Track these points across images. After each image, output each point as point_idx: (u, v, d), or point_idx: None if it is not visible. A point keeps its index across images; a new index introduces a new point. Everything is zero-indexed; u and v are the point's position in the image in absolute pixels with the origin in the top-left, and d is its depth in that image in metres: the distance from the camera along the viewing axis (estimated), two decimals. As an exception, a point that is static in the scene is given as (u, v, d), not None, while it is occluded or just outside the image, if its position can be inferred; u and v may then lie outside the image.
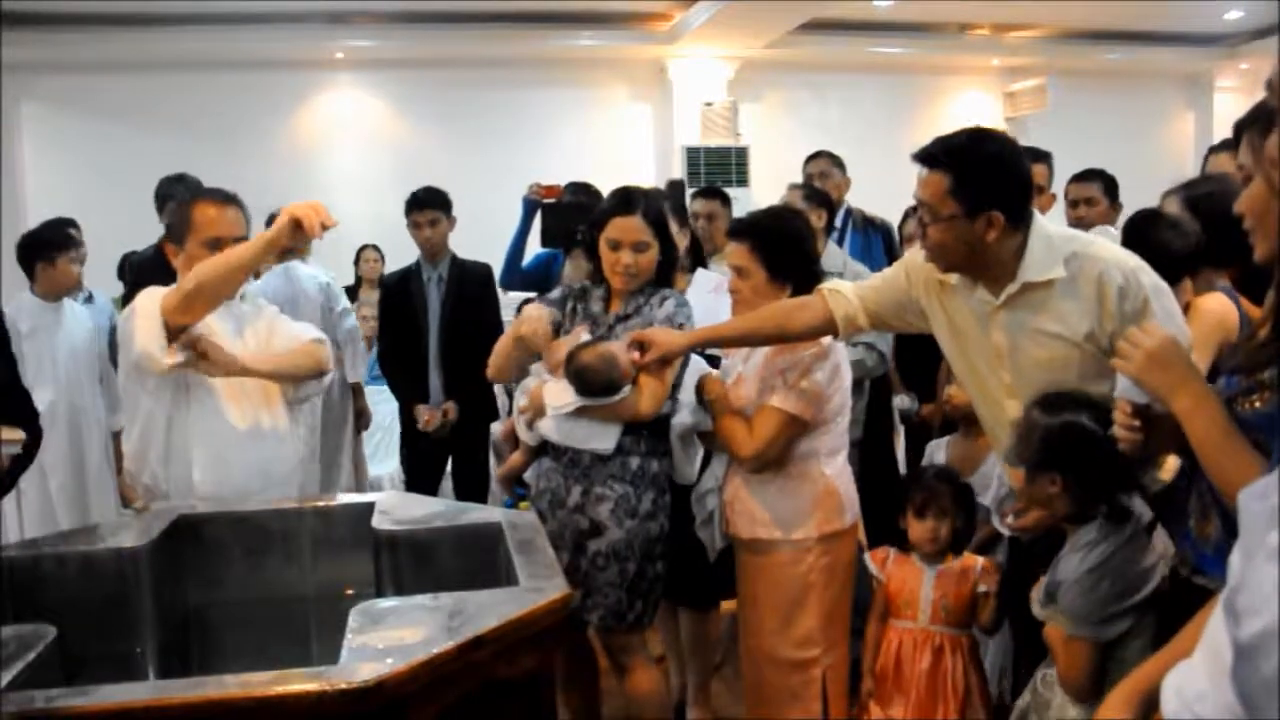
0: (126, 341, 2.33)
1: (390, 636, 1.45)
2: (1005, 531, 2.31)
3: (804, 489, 2.37)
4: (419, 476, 4.20)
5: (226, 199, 2.44)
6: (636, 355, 2.29)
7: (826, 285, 2.28)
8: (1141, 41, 8.34)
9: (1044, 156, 3.97)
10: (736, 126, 7.63)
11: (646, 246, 2.44)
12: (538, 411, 2.45)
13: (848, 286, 2.26)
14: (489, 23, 7.10)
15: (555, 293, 2.71)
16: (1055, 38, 8.23)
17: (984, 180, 1.89)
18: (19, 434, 1.85)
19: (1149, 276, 1.89)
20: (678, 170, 7.39)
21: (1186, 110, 9.16)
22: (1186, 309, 2.12)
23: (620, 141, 7.95)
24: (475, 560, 1.99)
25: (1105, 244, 1.97)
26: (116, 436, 3.91)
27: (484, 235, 4.33)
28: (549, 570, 1.74)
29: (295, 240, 2.17)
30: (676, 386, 2.48)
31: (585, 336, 2.46)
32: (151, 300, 2.28)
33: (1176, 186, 2.50)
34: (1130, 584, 1.78)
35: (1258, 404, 1.41)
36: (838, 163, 4.34)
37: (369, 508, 2.15)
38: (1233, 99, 8.50)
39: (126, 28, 6.65)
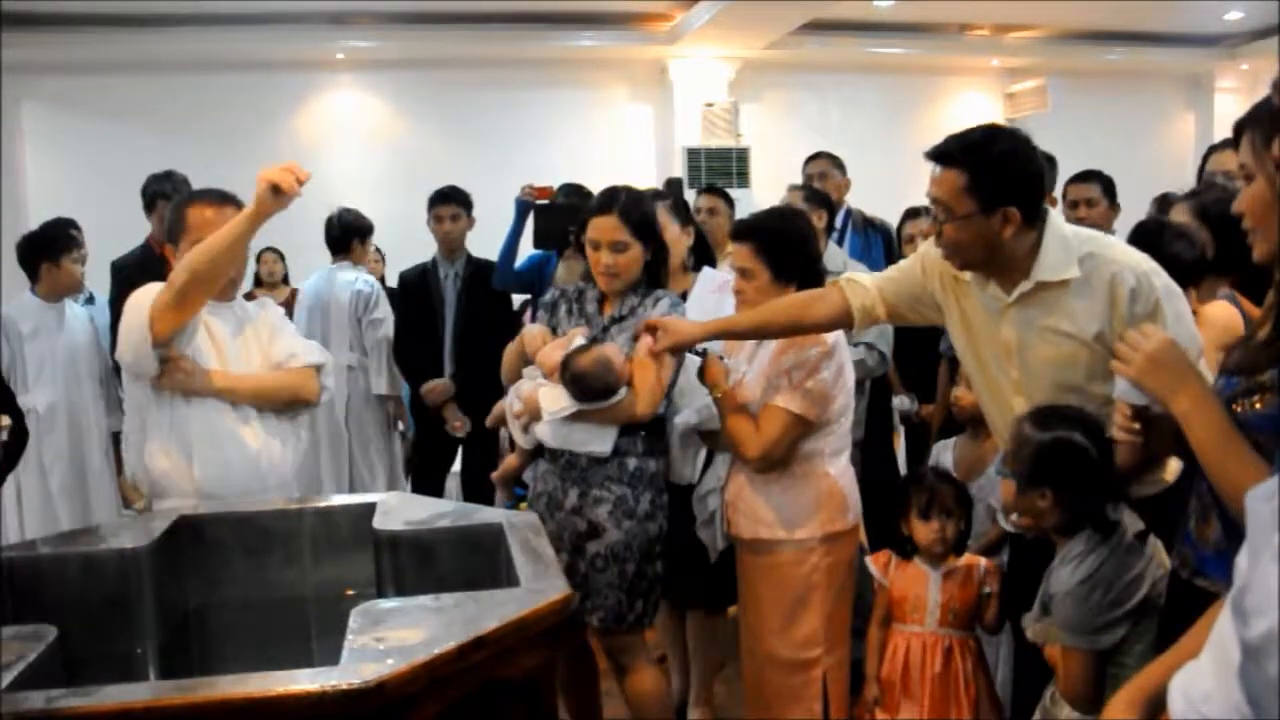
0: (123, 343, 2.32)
1: (391, 637, 1.45)
2: (1010, 528, 2.31)
3: (808, 489, 2.37)
4: (426, 475, 4.22)
5: (222, 198, 2.39)
6: (650, 341, 2.28)
7: (844, 276, 2.29)
8: (1141, 42, 8.34)
9: (1049, 161, 3.97)
10: (737, 127, 7.63)
11: (625, 246, 2.43)
12: (533, 415, 2.45)
13: (866, 278, 2.26)
14: (490, 23, 7.11)
15: (547, 296, 2.71)
16: (1055, 38, 8.23)
17: (999, 177, 1.90)
18: (3, 419, 1.83)
19: (1161, 279, 1.90)
20: (679, 171, 7.39)
21: (1187, 111, 9.16)
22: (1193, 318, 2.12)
23: (621, 142, 7.95)
24: (476, 561, 1.98)
25: (1120, 245, 1.98)
26: (116, 437, 3.92)
27: (485, 235, 4.33)
28: (550, 571, 1.74)
29: (278, 205, 2.12)
30: (673, 386, 2.47)
31: (581, 340, 2.45)
32: (138, 307, 2.24)
33: (1184, 194, 2.50)
34: (1122, 592, 1.79)
35: (1258, 405, 1.40)
36: (838, 163, 4.34)
37: (370, 508, 2.14)
38: (1233, 99, 8.51)
39: (128, 28, 6.65)
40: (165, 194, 3.78)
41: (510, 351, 2.63)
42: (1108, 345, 1.87)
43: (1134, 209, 3.60)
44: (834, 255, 3.57)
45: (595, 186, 2.65)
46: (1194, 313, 2.18)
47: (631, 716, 2.59)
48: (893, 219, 4.42)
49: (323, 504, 2.29)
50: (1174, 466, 1.86)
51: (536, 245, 3.85)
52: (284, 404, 2.40)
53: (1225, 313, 2.22)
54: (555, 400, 2.39)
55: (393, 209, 7.29)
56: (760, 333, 2.36)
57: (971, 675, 2.42)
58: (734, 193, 4.36)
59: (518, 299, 4.27)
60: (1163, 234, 2.31)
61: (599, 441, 2.39)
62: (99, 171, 6.86)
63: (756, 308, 2.35)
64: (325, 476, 4.36)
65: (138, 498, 4.02)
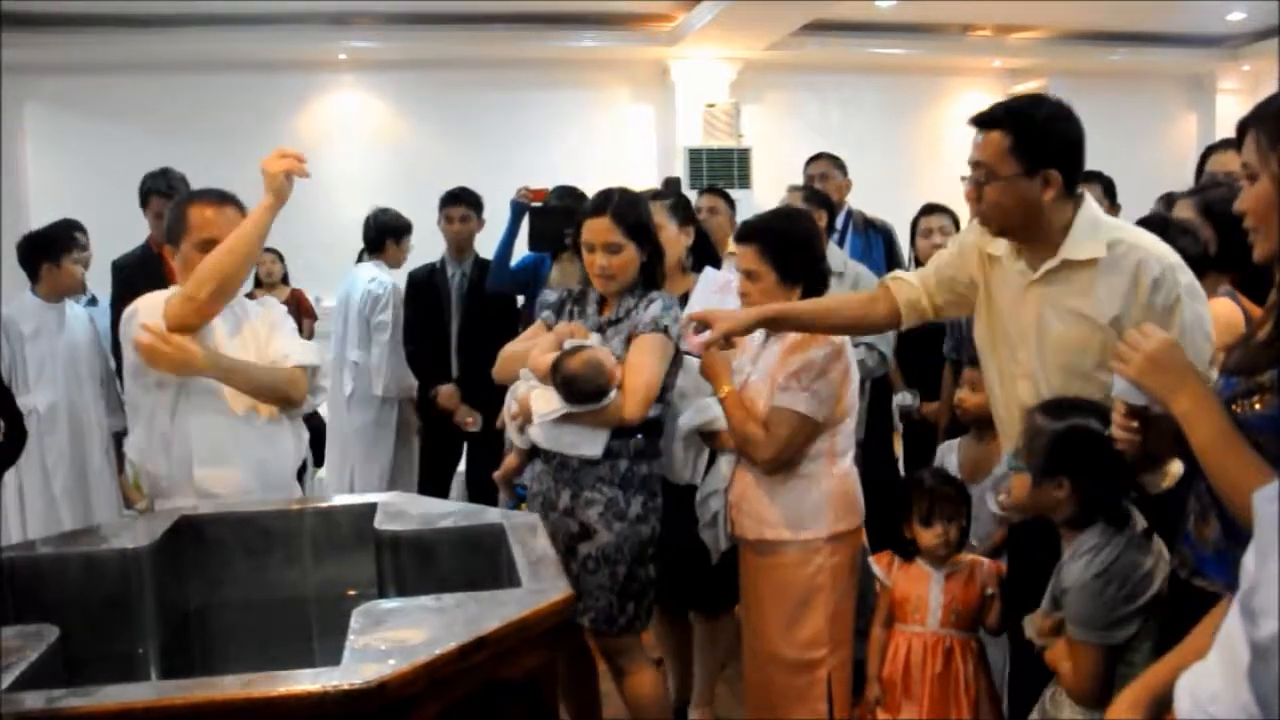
0: (128, 343, 2.32)
1: (392, 637, 1.45)
2: (997, 511, 2.31)
3: (813, 489, 2.36)
4: (431, 474, 4.24)
5: (222, 198, 2.39)
6: (700, 337, 2.25)
7: (891, 275, 2.32)
8: (1143, 43, 8.33)
9: None
10: (739, 128, 7.63)
11: (619, 248, 2.42)
12: (528, 417, 2.45)
13: (911, 275, 2.30)
14: (491, 24, 7.11)
15: (551, 297, 2.71)
16: (1057, 39, 8.23)
17: (1043, 139, 1.94)
18: None
19: (1186, 276, 1.91)
20: (680, 171, 7.39)
21: (1188, 111, 9.16)
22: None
23: (622, 143, 7.96)
24: (477, 561, 1.99)
25: (1152, 237, 1.99)
26: (117, 438, 3.92)
27: (485, 235, 4.34)
28: (551, 571, 1.74)
29: (288, 192, 2.22)
30: (667, 389, 2.47)
31: (582, 341, 2.45)
32: (153, 306, 2.26)
33: (1188, 191, 2.50)
34: (1135, 587, 1.77)
35: (1257, 406, 1.40)
36: (839, 164, 4.34)
37: (371, 508, 2.14)
38: (1235, 100, 8.51)
39: (129, 29, 6.66)
40: (161, 191, 3.77)
41: (505, 354, 2.63)
42: (1120, 332, 1.87)
43: (1135, 209, 3.59)
44: (834, 256, 3.56)
45: (596, 187, 2.64)
46: None
47: (630, 718, 2.58)
48: (894, 219, 4.42)
49: (324, 504, 2.30)
50: (1174, 471, 1.85)
51: (531, 247, 3.86)
52: (272, 400, 2.37)
53: (1227, 309, 2.22)
54: (547, 402, 2.39)
55: (395, 209, 7.30)
56: (815, 324, 2.32)
57: (972, 676, 2.41)
58: (735, 193, 4.37)
59: (521, 299, 4.29)
60: (1166, 229, 2.31)
61: (590, 444, 2.40)
62: (100, 172, 6.86)
63: (812, 300, 2.35)
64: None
65: (139, 498, 4.02)
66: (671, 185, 5.78)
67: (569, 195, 3.85)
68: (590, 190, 2.84)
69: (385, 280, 4.53)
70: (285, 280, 6.07)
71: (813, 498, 2.36)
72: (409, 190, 6.26)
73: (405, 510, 2.13)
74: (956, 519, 2.46)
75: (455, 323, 4.20)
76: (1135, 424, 1.53)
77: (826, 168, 4.30)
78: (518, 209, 3.89)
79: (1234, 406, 1.42)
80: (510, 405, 2.57)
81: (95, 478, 3.86)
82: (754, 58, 7.68)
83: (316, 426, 4.82)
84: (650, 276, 2.53)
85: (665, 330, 2.41)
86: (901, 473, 3.79)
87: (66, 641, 1.60)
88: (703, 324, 2.27)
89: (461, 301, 4.19)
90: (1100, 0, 6.99)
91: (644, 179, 6.33)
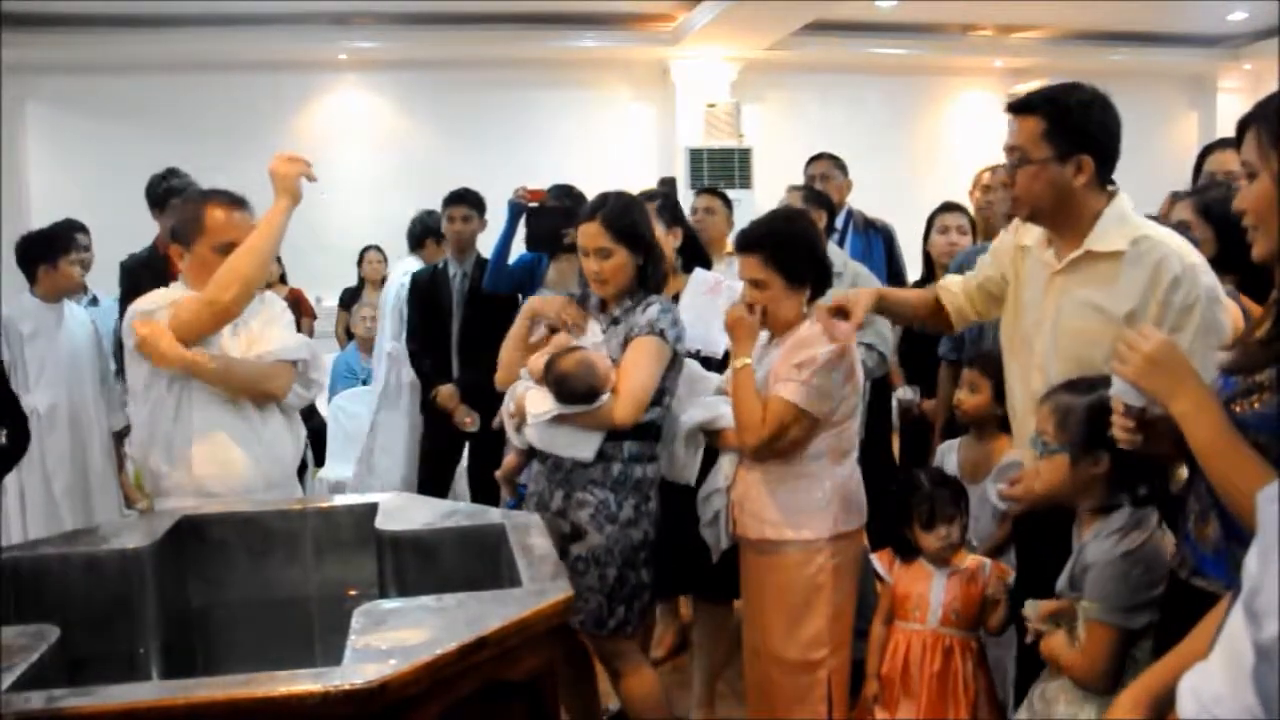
0: (128, 342, 2.32)
1: (393, 637, 1.45)
2: (999, 504, 2.30)
3: (815, 490, 2.36)
4: (432, 475, 4.24)
5: (235, 201, 2.42)
6: (839, 325, 2.25)
7: (938, 283, 2.37)
8: (1144, 42, 8.33)
9: None
10: (739, 127, 7.63)
11: (608, 253, 2.43)
12: (524, 417, 2.46)
13: (956, 280, 2.35)
14: (492, 24, 7.11)
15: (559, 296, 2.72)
16: (1058, 39, 8.23)
17: (1077, 124, 1.97)
18: None
19: (1209, 279, 1.91)
20: (681, 171, 7.39)
21: (1189, 111, 9.15)
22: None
23: (623, 142, 7.96)
24: (478, 561, 1.99)
25: (1179, 237, 2.00)
26: (117, 437, 3.92)
27: (488, 235, 4.34)
28: (551, 571, 1.74)
29: (300, 194, 2.31)
30: (665, 393, 2.47)
31: (595, 334, 2.46)
32: (153, 303, 2.26)
33: (1186, 192, 2.49)
34: (1159, 574, 1.75)
35: (1256, 405, 1.39)
36: (839, 164, 4.33)
37: (372, 509, 2.14)
38: (1236, 100, 8.50)
39: (131, 29, 6.67)
40: (178, 191, 3.76)
41: (504, 360, 2.63)
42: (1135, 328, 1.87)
43: (1136, 208, 3.59)
44: (834, 255, 3.54)
45: (597, 187, 2.64)
46: None
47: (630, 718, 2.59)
48: (896, 218, 4.41)
49: (325, 504, 2.30)
50: (1181, 476, 1.85)
51: (529, 247, 3.87)
52: (253, 395, 2.37)
53: (1231, 310, 2.21)
54: (540, 403, 2.40)
55: (396, 209, 7.29)
56: (914, 314, 2.43)
57: (971, 676, 2.41)
58: (737, 193, 4.37)
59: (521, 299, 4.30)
60: None
61: (582, 446, 2.40)
62: (102, 172, 6.87)
63: (917, 291, 2.36)
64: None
65: (140, 497, 4.03)
66: (667, 185, 5.78)
67: (567, 195, 3.86)
68: (590, 190, 2.84)
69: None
70: (283, 280, 6.07)
71: (815, 498, 2.36)
72: (410, 190, 6.25)
73: (406, 510, 2.13)
74: (957, 518, 2.46)
75: (456, 323, 4.21)
76: (1133, 424, 1.53)
77: (827, 168, 4.29)
78: (515, 209, 3.90)
79: (1234, 406, 1.42)
80: (508, 404, 2.58)
81: (96, 478, 3.87)
82: (755, 57, 7.68)
83: (317, 427, 4.83)
84: (648, 279, 2.52)
85: (661, 334, 2.40)
86: (899, 470, 3.78)
87: (68, 641, 1.61)
88: (841, 310, 2.25)
89: (463, 302, 4.20)
90: (1101, 0, 6.99)
91: (645, 179, 6.33)
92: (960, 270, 3.14)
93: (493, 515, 2.10)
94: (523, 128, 7.67)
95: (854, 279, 3.30)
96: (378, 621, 1.52)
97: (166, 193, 3.86)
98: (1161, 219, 2.46)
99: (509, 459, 2.70)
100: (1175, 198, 2.55)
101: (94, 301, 4.52)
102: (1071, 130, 1.96)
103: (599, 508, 2.41)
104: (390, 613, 1.57)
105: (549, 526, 2.40)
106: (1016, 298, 2.16)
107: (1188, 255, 1.93)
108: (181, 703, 1.30)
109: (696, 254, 3.12)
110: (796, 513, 2.36)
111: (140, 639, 1.95)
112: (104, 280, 4.49)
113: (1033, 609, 1.91)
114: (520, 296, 4.02)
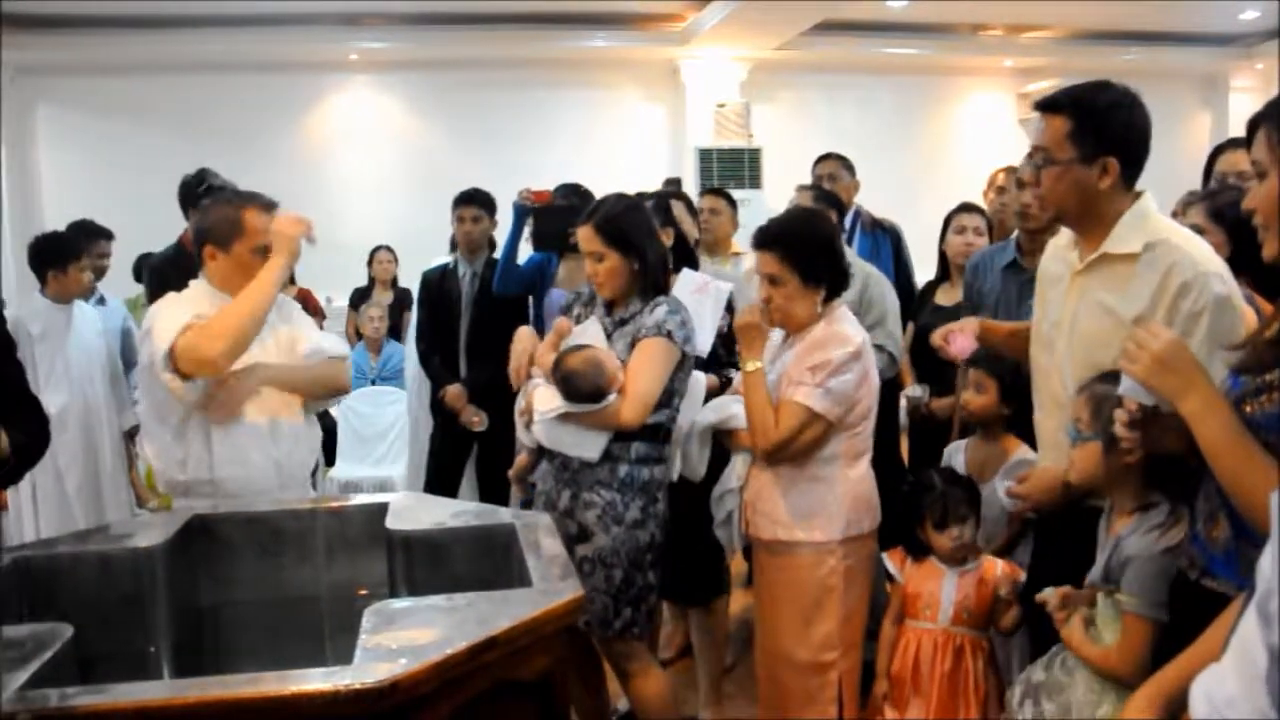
0: (144, 346, 2.33)
1: (404, 637, 1.45)
2: (1007, 503, 2.29)
3: (828, 492, 2.35)
4: (440, 474, 4.25)
5: (270, 205, 2.44)
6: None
7: None
8: (1156, 42, 8.30)
9: None
10: (749, 127, 7.63)
11: (601, 257, 2.43)
12: (533, 414, 2.46)
13: None
14: (502, 24, 7.13)
15: (564, 298, 2.73)
16: (1069, 38, 8.20)
17: (1103, 126, 1.94)
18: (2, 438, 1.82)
19: (1223, 288, 1.85)
20: (690, 171, 7.39)
21: (1202, 110, 9.12)
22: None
23: (633, 142, 7.96)
24: (488, 561, 1.99)
25: (1199, 243, 1.96)
26: (128, 436, 3.94)
27: (498, 235, 4.35)
28: (561, 571, 1.74)
29: (299, 254, 2.38)
30: (674, 395, 2.47)
31: (599, 335, 2.46)
32: (170, 324, 2.26)
33: (1198, 195, 2.48)
34: None
35: (1266, 405, 1.39)
36: (847, 165, 4.33)
37: (383, 508, 2.15)
38: (1248, 99, 8.47)
39: (142, 30, 6.70)
40: (217, 191, 3.77)
41: (513, 353, 2.64)
42: None
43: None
44: (841, 255, 3.55)
45: (607, 187, 2.65)
46: None
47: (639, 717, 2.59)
48: (905, 218, 4.41)
49: (336, 504, 2.30)
50: None
51: (536, 247, 3.87)
52: (322, 394, 2.49)
53: (1248, 318, 2.20)
54: (548, 400, 2.40)
55: (405, 209, 7.32)
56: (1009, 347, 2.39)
57: (982, 675, 2.40)
58: (747, 194, 4.36)
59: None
60: None
61: (589, 446, 2.40)
62: (114, 173, 6.91)
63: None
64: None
65: (151, 496, 4.05)
66: (671, 184, 5.78)
67: (573, 193, 3.86)
68: (599, 191, 2.84)
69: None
70: (292, 280, 6.08)
71: (827, 500, 2.35)
72: (420, 189, 6.30)
73: (416, 510, 2.13)
74: (970, 518, 2.45)
75: (465, 323, 4.21)
76: (1140, 419, 1.52)
77: (834, 168, 4.28)
78: (519, 211, 3.90)
79: (1244, 406, 1.41)
80: (520, 402, 2.58)
81: (107, 477, 3.89)
82: (764, 57, 7.67)
83: (327, 426, 4.85)
84: (653, 281, 2.50)
85: (669, 335, 2.39)
86: (908, 470, 3.76)
87: (80, 640, 1.61)
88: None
89: (472, 302, 4.21)
90: (1112, 0, 6.97)
91: (655, 179, 6.34)
92: (975, 270, 3.14)
93: (503, 515, 2.10)
94: (532, 128, 7.67)
95: (864, 279, 3.29)
96: (388, 621, 1.52)
97: (207, 192, 3.87)
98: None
99: (521, 458, 2.70)
100: (1186, 202, 2.53)
101: (101, 301, 4.55)
102: (1097, 131, 1.93)
103: (606, 509, 2.41)
104: (400, 612, 1.57)
105: (557, 526, 2.41)
106: (1042, 299, 2.15)
107: (1202, 261, 1.88)
108: (193, 701, 1.31)
109: (684, 254, 3.12)
110: (809, 514, 2.35)
111: (152, 638, 1.96)
112: (115, 280, 4.52)
113: (1055, 596, 1.91)
114: (530, 297, 4.04)
